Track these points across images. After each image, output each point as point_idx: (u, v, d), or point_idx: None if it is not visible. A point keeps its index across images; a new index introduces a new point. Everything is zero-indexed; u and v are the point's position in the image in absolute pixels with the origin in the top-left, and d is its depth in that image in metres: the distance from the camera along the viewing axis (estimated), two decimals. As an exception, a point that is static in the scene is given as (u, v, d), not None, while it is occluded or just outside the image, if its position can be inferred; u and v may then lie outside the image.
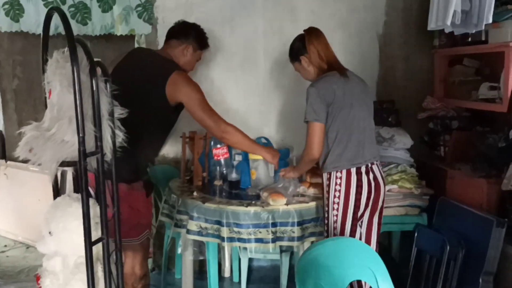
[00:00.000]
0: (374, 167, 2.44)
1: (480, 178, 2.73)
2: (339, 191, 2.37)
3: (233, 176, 2.84)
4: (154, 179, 3.26)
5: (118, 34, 3.27)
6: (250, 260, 3.26)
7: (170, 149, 3.47)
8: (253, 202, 2.57)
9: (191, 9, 3.37)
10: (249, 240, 2.46)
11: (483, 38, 2.86)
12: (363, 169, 2.38)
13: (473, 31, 2.77)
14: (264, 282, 3.36)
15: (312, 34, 2.48)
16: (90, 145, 1.36)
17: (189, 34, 2.64)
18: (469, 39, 3.01)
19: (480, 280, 2.55)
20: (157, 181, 3.24)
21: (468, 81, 3.10)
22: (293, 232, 2.49)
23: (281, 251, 3.05)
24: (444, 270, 2.70)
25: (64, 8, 3.14)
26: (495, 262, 2.54)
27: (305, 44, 2.46)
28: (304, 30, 2.53)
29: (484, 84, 2.86)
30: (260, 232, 2.46)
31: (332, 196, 2.39)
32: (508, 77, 2.62)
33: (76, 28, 3.14)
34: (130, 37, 3.40)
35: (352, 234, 2.38)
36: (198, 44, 2.67)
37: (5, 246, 4.06)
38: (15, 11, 3.07)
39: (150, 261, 3.59)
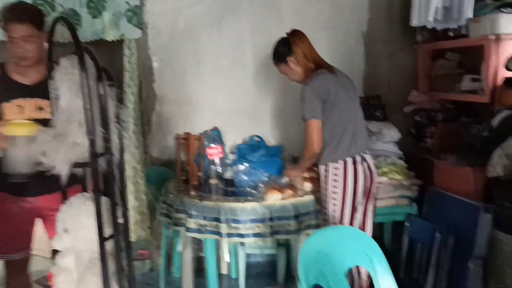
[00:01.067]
0: (367, 157, 2.56)
1: (466, 167, 2.84)
2: (337, 181, 2.48)
3: (228, 174, 2.91)
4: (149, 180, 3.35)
5: (109, 39, 3.31)
6: (247, 256, 3.33)
7: (164, 151, 3.53)
8: (250, 198, 2.64)
9: (179, 13, 3.43)
10: (247, 235, 2.54)
11: (464, 33, 2.98)
12: (358, 159, 2.50)
13: (454, 26, 2.89)
14: (261, 276, 3.43)
15: (296, 35, 2.62)
16: (99, 147, 1.43)
17: None
18: (451, 34, 3.12)
19: (470, 265, 2.66)
20: (152, 182, 3.30)
21: (451, 74, 3.22)
22: (290, 225, 2.57)
23: (278, 245, 3.13)
24: (435, 257, 2.81)
25: (54, 15, 3.16)
26: (484, 247, 2.64)
27: (290, 45, 2.58)
28: (287, 33, 2.65)
29: (467, 76, 2.98)
30: (258, 227, 2.53)
31: (330, 187, 2.49)
32: (489, 69, 2.74)
33: (67, 35, 3.16)
34: (120, 42, 3.44)
35: (351, 221, 2.49)
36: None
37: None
38: (6, 20, 3.09)
39: (147, 262, 3.64)
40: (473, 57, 3.05)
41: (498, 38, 2.69)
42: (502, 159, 2.49)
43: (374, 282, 1.88)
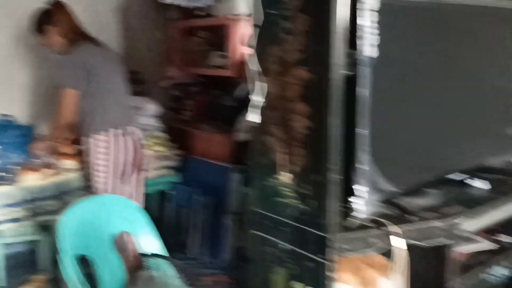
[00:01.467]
0: (132, 129, 2.64)
1: (218, 134, 3.17)
2: (102, 153, 2.49)
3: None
4: None
5: None
6: (5, 247, 3.04)
7: None
8: (1, 182, 2.43)
9: None
10: (3, 222, 2.36)
11: (212, 12, 3.26)
12: (121, 131, 2.56)
13: (203, 6, 3.15)
14: (24, 267, 3.18)
15: (59, 6, 2.56)
16: None
17: None
18: (200, 13, 3.36)
19: (224, 220, 3.01)
20: None
21: (202, 51, 3.49)
22: (52, 206, 2.48)
23: (43, 230, 2.96)
24: (198, 219, 3.09)
25: None
26: (236, 203, 3.02)
27: (53, 16, 2.52)
28: (50, 3, 2.57)
29: (214, 53, 3.30)
30: (16, 212, 2.38)
31: (95, 159, 2.49)
32: (231, 46, 3.09)
33: None
34: None
35: (117, 192, 2.54)
36: None
37: None
38: None
39: None
40: (220, 35, 3.38)
41: (236, 18, 3.04)
42: (245, 125, 2.86)
43: (138, 247, 1.97)
